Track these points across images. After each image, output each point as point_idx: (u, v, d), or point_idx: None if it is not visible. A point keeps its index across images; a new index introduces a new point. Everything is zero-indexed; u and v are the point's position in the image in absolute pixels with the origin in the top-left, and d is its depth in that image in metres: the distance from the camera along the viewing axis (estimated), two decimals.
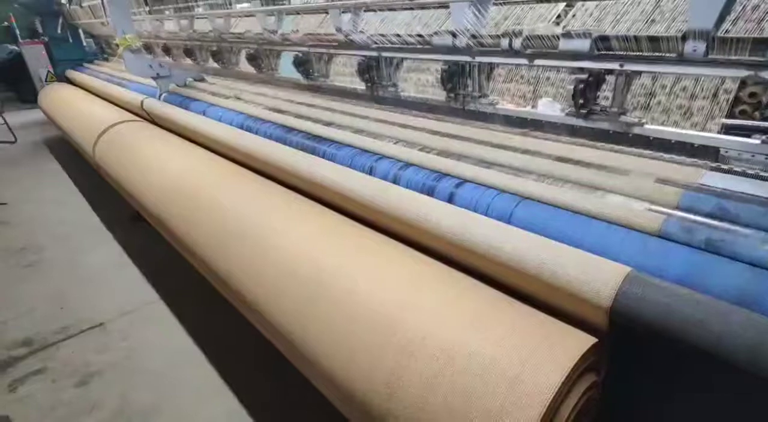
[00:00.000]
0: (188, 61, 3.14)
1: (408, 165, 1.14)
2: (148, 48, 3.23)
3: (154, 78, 2.59)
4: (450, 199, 1.01)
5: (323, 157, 1.37)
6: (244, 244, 1.19)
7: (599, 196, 0.91)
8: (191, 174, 1.61)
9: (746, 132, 0.90)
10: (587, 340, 0.72)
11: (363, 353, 0.85)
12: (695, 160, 0.92)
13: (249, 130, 1.74)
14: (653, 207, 0.84)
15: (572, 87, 0.98)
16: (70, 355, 1.64)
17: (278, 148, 1.44)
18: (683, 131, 0.91)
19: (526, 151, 1.08)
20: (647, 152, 1.00)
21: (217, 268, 1.26)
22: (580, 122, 1.06)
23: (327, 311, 0.93)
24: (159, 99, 2.55)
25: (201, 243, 1.35)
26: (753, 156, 0.85)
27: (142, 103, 2.50)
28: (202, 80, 2.84)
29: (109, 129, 2.35)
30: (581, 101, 1.00)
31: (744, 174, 0.87)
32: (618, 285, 0.69)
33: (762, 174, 0.86)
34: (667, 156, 0.98)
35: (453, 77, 1.27)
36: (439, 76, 1.34)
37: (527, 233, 0.83)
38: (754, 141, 0.84)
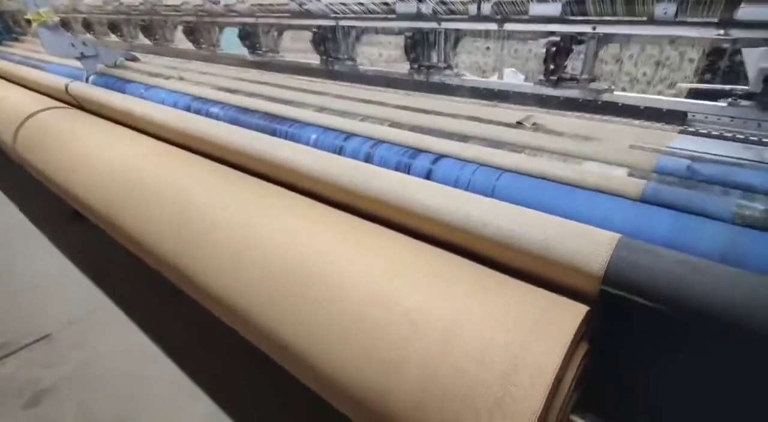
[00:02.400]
0: (114, 37, 2.82)
1: (380, 142, 1.08)
2: (66, 24, 2.86)
3: (78, 58, 2.29)
4: (428, 176, 0.97)
5: (285, 138, 1.27)
6: (208, 237, 1.08)
7: (577, 163, 0.90)
8: (136, 164, 1.45)
9: (711, 96, 0.91)
10: (582, 309, 0.72)
11: (357, 335, 0.80)
12: (663, 124, 0.93)
13: (197, 112, 1.58)
14: (633, 172, 0.84)
15: (544, 50, 0.95)
16: (15, 373, 1.46)
17: (235, 131, 1.32)
18: (653, 96, 0.91)
19: (499, 123, 1.05)
20: (617, 119, 1.00)
21: (175, 264, 1.15)
22: (549, 90, 1.04)
23: (311, 301, 0.87)
24: (87, 82, 2.27)
25: (155, 240, 1.22)
26: (719, 118, 0.86)
27: (66, 87, 2.21)
28: (135, 59, 2.56)
29: (29, 118, 2.06)
30: (552, 67, 0.97)
31: (711, 135, 0.89)
32: (610, 252, 0.68)
33: (727, 135, 0.88)
34: (636, 122, 0.98)
35: (417, 47, 1.20)
36: (402, 46, 1.26)
37: (513, 206, 0.81)
38: (721, 104, 0.86)
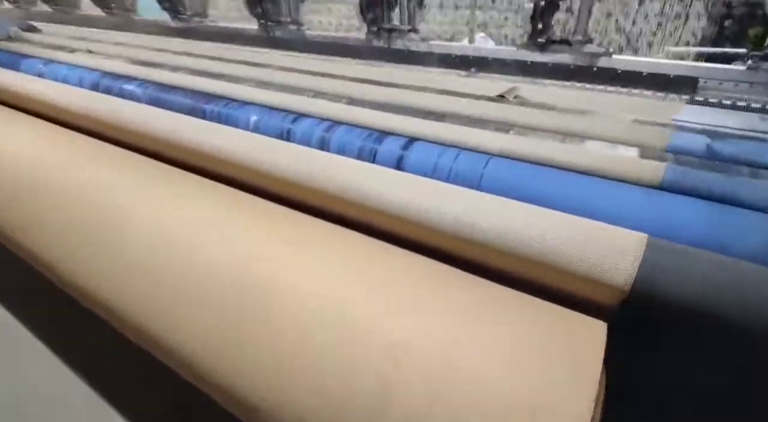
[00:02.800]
0: (7, 4, 2.37)
1: (337, 124, 0.88)
2: None
3: None
4: (399, 165, 0.79)
5: (218, 120, 1.04)
6: (116, 244, 0.85)
7: (577, 144, 0.76)
8: (31, 156, 1.16)
9: (726, 60, 0.79)
10: (601, 327, 0.58)
11: (324, 378, 0.62)
12: (669, 93, 0.80)
13: (107, 91, 1.31)
14: (643, 152, 0.70)
15: (531, 5, 0.78)
16: None
17: (153, 113, 1.07)
18: (658, 61, 0.77)
19: (479, 96, 0.88)
20: (614, 88, 0.86)
21: (78, 281, 0.91)
22: (535, 56, 0.88)
23: (258, 333, 0.67)
24: None
25: (51, 248, 0.96)
26: (736, 85, 0.74)
27: None
28: (33, 30, 2.15)
29: None
30: (540, 26, 0.81)
31: (724, 105, 0.77)
32: (639, 258, 0.54)
33: (740, 104, 0.76)
34: (636, 91, 0.84)
35: (374, 6, 1.00)
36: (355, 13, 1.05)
37: (510, 201, 0.65)
38: (738, 67, 0.74)
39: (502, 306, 0.61)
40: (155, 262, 0.79)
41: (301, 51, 1.32)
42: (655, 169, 0.65)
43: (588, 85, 0.88)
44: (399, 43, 1.03)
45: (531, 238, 0.60)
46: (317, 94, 1.03)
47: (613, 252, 0.55)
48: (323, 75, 1.15)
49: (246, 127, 0.98)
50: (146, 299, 0.76)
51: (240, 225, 0.81)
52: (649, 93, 0.83)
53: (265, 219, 0.82)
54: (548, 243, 0.57)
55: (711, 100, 0.85)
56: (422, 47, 1.01)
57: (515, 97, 0.92)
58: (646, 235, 0.57)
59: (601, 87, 0.88)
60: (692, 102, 0.81)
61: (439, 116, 0.87)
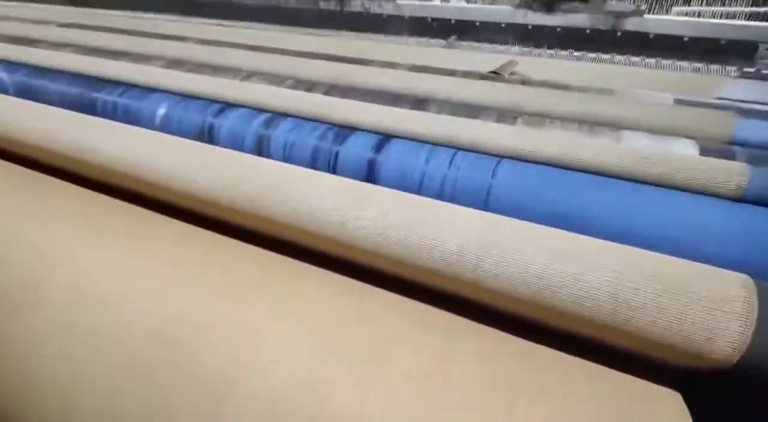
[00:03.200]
0: None
1: (278, 116, 0.65)
2: None
3: None
4: (371, 175, 0.57)
5: (113, 115, 0.77)
6: None
7: (611, 136, 0.57)
8: None
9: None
10: (678, 401, 0.41)
11: None
12: (718, 64, 0.62)
13: None
14: (705, 148, 0.52)
15: None
16: None
17: (24, 106, 0.79)
18: (707, 20, 0.59)
19: (465, 74, 0.67)
20: (638, 58, 0.67)
21: None
22: (538, 18, 0.67)
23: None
24: None
25: None
26: None
27: None
28: None
29: None
30: None
31: None
32: (751, 320, 0.36)
33: None
34: (667, 61, 0.66)
35: None
36: None
37: (540, 228, 0.44)
38: None
39: (557, 379, 0.41)
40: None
41: (229, 18, 1.04)
42: (737, 174, 0.46)
43: (608, 56, 0.69)
44: (356, 4, 0.80)
45: (596, 290, 0.40)
46: (250, 74, 0.77)
47: (713, 310, 0.37)
48: (258, 49, 0.88)
49: (152, 124, 0.72)
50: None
51: (146, 269, 0.55)
52: (689, 64, 0.66)
53: (178, 251, 0.57)
54: (620, 298, 0.37)
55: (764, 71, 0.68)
56: (387, 9, 0.78)
57: (512, 74, 0.71)
58: (750, 279, 0.39)
59: (621, 57, 0.69)
60: (747, 75, 0.64)
61: (418, 102, 0.65)
